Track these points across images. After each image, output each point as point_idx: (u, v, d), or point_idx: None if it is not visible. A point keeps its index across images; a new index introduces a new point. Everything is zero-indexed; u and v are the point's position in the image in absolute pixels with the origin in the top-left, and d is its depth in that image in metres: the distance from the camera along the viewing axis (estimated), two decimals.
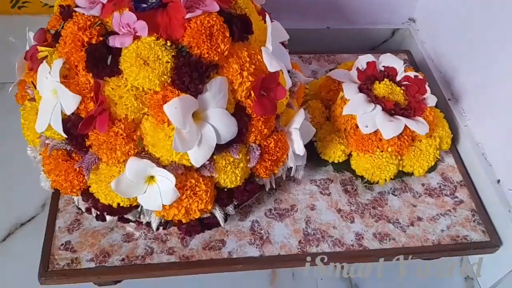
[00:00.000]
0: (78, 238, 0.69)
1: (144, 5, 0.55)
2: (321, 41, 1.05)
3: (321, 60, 1.00)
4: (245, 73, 0.58)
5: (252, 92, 0.59)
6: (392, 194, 0.79)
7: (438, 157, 0.79)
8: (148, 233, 0.70)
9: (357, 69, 0.80)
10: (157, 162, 0.58)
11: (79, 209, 0.66)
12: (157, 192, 0.58)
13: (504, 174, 0.77)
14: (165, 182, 0.57)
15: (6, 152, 0.91)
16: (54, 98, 0.56)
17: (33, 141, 0.65)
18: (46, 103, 0.58)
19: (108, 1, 0.55)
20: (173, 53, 0.54)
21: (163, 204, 0.59)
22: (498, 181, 0.78)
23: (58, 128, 0.56)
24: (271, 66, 0.60)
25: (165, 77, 0.54)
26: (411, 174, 0.79)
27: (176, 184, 0.57)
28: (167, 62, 0.53)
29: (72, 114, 0.56)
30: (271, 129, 0.64)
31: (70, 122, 0.56)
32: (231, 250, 0.70)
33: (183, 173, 0.59)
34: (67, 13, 0.57)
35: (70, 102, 0.54)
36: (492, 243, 0.74)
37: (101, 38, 0.54)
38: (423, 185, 0.80)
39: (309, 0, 1.00)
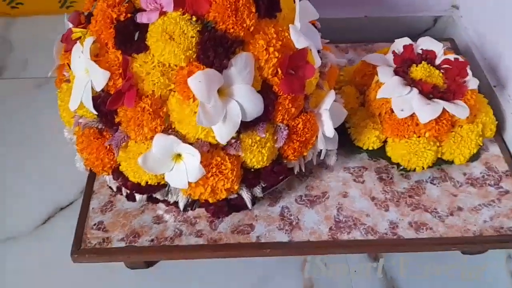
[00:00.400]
0: (111, 219, 0.70)
1: None
2: (358, 30, 1.02)
3: (358, 50, 0.97)
4: (271, 49, 0.57)
5: (279, 70, 0.59)
6: (431, 183, 0.75)
7: (481, 144, 0.75)
8: (178, 215, 0.70)
9: (393, 52, 0.77)
10: (184, 139, 0.58)
11: (111, 188, 0.68)
12: (183, 170, 0.58)
13: None
14: (191, 159, 0.57)
15: (50, 142, 0.94)
16: (86, 77, 0.58)
17: (69, 121, 0.67)
18: (78, 81, 0.59)
19: None
20: (198, 28, 0.54)
21: (189, 182, 0.59)
22: None
23: (89, 104, 0.57)
24: (298, 42, 0.59)
25: (190, 52, 0.54)
26: (451, 162, 0.75)
27: (201, 162, 0.57)
28: (192, 37, 0.54)
29: (102, 91, 0.57)
30: (299, 109, 0.63)
31: (100, 99, 0.57)
32: (260, 235, 0.69)
33: (209, 151, 0.59)
34: None
35: (100, 78, 0.56)
36: None
37: (129, 15, 0.55)
38: (464, 174, 0.76)
39: None
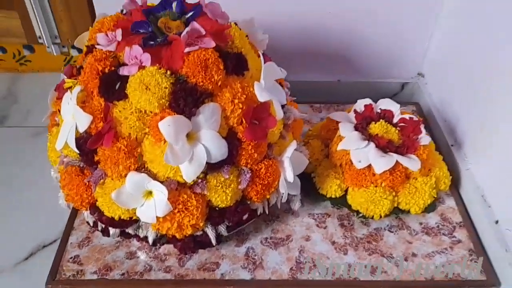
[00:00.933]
0: (86, 253, 0.75)
1: (152, 42, 0.65)
2: (332, 93, 1.12)
3: (331, 109, 1.06)
4: (236, 101, 0.65)
5: (243, 120, 0.66)
6: (389, 230, 0.80)
7: (435, 196, 0.81)
8: (149, 252, 0.75)
9: (355, 110, 0.86)
10: (155, 177, 0.64)
11: (88, 224, 0.73)
12: (152, 206, 0.64)
13: (503, 215, 0.78)
14: (160, 195, 0.64)
15: (39, 183, 1.01)
16: (73, 121, 0.66)
17: (55, 161, 0.74)
18: (65, 125, 0.67)
19: (122, 39, 0.65)
20: (171, 81, 0.63)
21: (157, 217, 0.65)
22: (497, 221, 0.78)
23: (72, 144, 0.65)
24: (261, 96, 0.67)
25: (163, 100, 0.62)
26: (407, 212, 0.81)
27: (169, 199, 0.64)
28: (166, 87, 0.62)
29: (85, 132, 0.65)
30: (262, 155, 0.70)
31: (83, 140, 0.65)
32: (224, 272, 0.73)
33: (177, 189, 0.65)
34: (89, 50, 0.68)
35: (83, 121, 0.64)
36: (489, 282, 0.73)
37: (113, 68, 0.64)
38: (420, 223, 0.82)
39: (321, 54, 1.09)
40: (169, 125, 0.61)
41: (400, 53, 1.10)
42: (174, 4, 0.70)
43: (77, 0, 1.19)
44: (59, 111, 0.71)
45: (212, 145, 0.64)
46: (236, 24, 0.72)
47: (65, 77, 0.73)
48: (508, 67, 0.77)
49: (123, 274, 0.72)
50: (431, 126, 1.01)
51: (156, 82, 0.62)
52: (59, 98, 0.71)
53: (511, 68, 0.76)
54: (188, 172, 0.63)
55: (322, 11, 1.02)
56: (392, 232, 0.80)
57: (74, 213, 0.81)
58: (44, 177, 0.84)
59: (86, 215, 0.72)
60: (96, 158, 0.65)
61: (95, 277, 0.72)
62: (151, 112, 0.63)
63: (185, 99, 0.62)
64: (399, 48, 1.09)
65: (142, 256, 0.75)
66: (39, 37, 1.26)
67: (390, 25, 1.05)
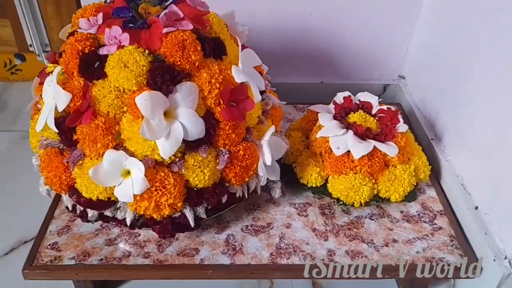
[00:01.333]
0: (65, 240, 0.75)
1: (131, 25, 0.67)
2: (316, 94, 1.14)
3: None
4: (213, 81, 0.66)
5: (221, 101, 0.68)
6: (370, 218, 0.80)
7: (415, 184, 0.82)
8: (129, 239, 0.75)
9: (334, 102, 0.87)
10: (132, 156, 0.65)
11: (67, 208, 0.73)
12: (130, 184, 0.65)
13: (482, 201, 0.78)
14: (137, 172, 0.64)
15: (23, 181, 1.01)
16: (53, 102, 0.67)
17: (36, 146, 0.74)
18: (46, 106, 0.68)
19: (102, 23, 0.68)
20: (149, 59, 0.64)
21: (134, 196, 0.65)
22: (476, 207, 0.79)
23: (51, 123, 0.66)
24: (238, 77, 0.69)
25: (141, 78, 0.64)
26: (388, 200, 0.81)
27: (147, 177, 0.64)
28: (144, 65, 0.63)
29: (64, 112, 0.66)
30: (241, 137, 0.70)
31: (61, 118, 0.66)
32: (203, 258, 0.73)
33: (155, 167, 0.66)
34: (71, 34, 0.70)
35: (63, 100, 0.65)
36: (469, 264, 0.72)
37: (93, 49, 0.66)
38: (401, 212, 0.82)
39: (304, 57, 1.12)
40: (145, 99, 0.62)
41: (381, 56, 1.13)
42: None
43: (68, 9, 1.23)
44: (41, 96, 0.72)
45: (189, 122, 0.65)
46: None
47: (48, 62, 0.74)
48: (480, 67, 0.80)
49: (101, 259, 0.72)
50: (412, 123, 1.03)
51: (134, 60, 0.63)
52: (41, 83, 0.73)
53: (482, 69, 0.79)
54: (165, 148, 0.64)
55: (304, 13, 1.05)
56: (373, 220, 0.80)
57: (55, 203, 0.81)
58: (29, 177, 0.84)
59: (65, 199, 0.72)
60: (74, 137, 0.66)
61: (72, 262, 0.71)
62: (129, 90, 0.64)
63: (163, 77, 0.63)
64: (380, 51, 1.12)
65: (121, 243, 0.75)
66: (30, 45, 1.29)
67: (371, 29, 1.08)
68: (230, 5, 0.79)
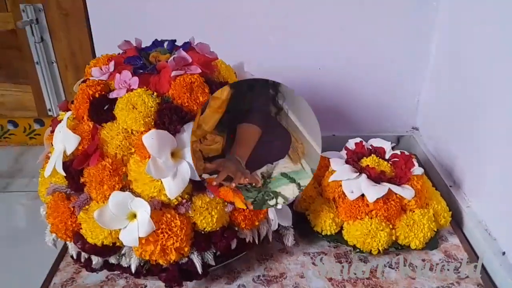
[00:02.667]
0: None
1: (141, 70, 0.69)
2: (327, 147, 1.12)
3: None
4: None
5: None
6: (389, 267, 0.76)
7: (435, 229, 0.77)
8: None
9: (345, 147, 0.86)
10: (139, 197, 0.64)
11: (72, 258, 0.71)
12: (135, 227, 0.63)
13: (509, 246, 0.73)
14: (143, 214, 0.62)
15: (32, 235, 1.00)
16: (62, 146, 0.67)
17: (44, 195, 0.74)
18: (55, 152, 0.69)
19: (114, 70, 0.70)
20: (158, 101, 0.65)
21: (140, 239, 0.62)
22: (504, 253, 0.73)
23: (59, 168, 0.65)
24: None
25: (149, 119, 0.64)
26: (408, 247, 0.77)
27: (153, 218, 0.62)
28: (151, 106, 0.64)
29: (72, 155, 0.66)
30: None
31: (69, 162, 0.66)
32: None
33: (161, 209, 0.64)
34: (83, 81, 0.72)
35: (72, 142, 0.65)
36: None
37: (103, 93, 0.67)
38: (423, 260, 0.77)
39: (315, 111, 1.12)
40: (152, 138, 0.62)
41: (393, 108, 1.12)
42: (165, 44, 0.75)
43: None
44: (52, 144, 0.73)
45: None
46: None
47: (60, 111, 0.76)
48: (495, 111, 0.79)
49: None
50: (429, 171, 1.00)
51: (143, 102, 0.64)
52: (53, 131, 0.74)
53: (497, 112, 0.78)
54: (171, 188, 0.62)
55: (313, 68, 1.08)
56: (393, 268, 0.75)
57: (61, 256, 0.78)
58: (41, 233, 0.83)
59: (70, 247, 0.70)
60: (81, 180, 0.65)
61: None
62: (137, 131, 0.65)
63: (170, 117, 0.64)
64: (391, 103, 1.12)
65: None
66: (49, 110, 1.33)
67: (381, 82, 1.09)
68: (239, 59, 0.81)
